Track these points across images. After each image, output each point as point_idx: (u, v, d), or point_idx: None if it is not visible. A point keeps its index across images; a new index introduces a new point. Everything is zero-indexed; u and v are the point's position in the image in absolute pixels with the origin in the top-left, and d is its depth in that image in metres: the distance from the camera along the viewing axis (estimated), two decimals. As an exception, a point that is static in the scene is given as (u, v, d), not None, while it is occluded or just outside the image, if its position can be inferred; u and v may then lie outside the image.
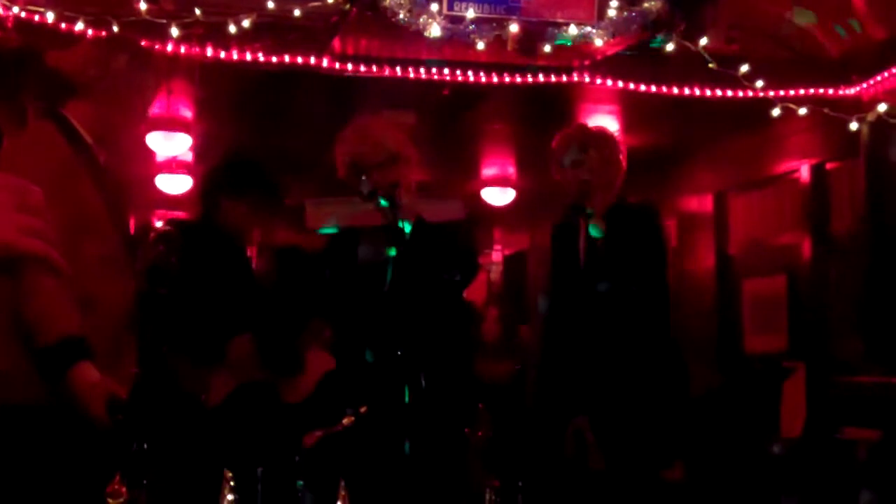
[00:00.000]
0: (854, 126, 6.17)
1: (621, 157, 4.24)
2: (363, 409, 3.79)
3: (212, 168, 4.58)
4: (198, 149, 7.77)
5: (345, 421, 3.67)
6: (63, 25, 4.85)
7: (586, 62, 5.98)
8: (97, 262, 2.99)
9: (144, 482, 4.33)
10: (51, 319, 2.80)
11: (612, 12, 5.36)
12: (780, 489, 6.09)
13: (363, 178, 3.79)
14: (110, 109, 3.12)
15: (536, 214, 8.91)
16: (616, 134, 4.41)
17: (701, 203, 8.35)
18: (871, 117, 6.07)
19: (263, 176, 4.46)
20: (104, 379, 2.84)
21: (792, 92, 6.18)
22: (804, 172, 7.05)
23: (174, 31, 4.89)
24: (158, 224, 7.04)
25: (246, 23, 4.93)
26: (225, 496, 3.82)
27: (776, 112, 6.11)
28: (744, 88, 5.96)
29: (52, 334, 2.79)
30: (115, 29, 4.55)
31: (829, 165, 6.92)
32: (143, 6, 4.87)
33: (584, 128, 4.40)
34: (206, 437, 4.13)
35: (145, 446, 4.07)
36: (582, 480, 3.94)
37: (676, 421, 4.11)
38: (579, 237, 4.04)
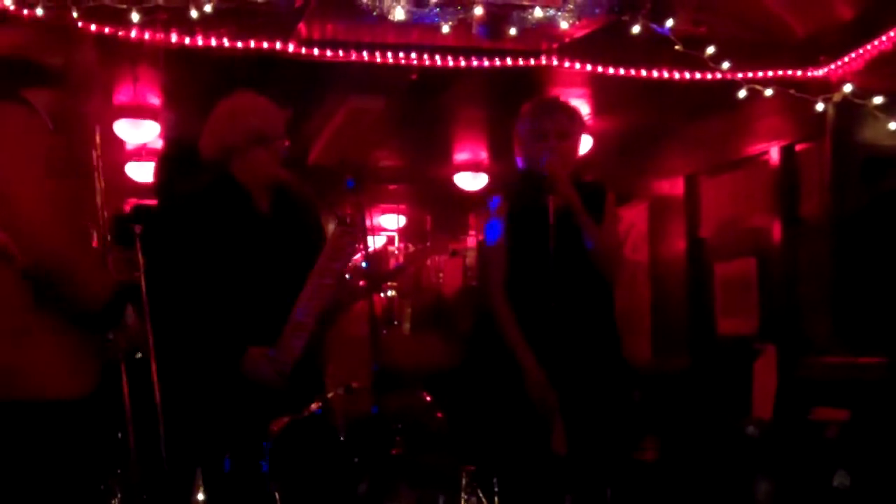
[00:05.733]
0: (820, 107, 6.20)
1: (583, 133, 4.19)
2: (331, 395, 3.79)
3: (162, 157, 4.53)
4: (166, 136, 7.74)
5: (312, 406, 3.66)
6: (25, 12, 4.81)
7: (554, 45, 5.98)
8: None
9: (118, 471, 4.32)
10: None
11: (576, -6, 5.37)
12: (754, 470, 6.12)
13: None
14: (70, 97, 3.08)
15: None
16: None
17: (672, 186, 8.36)
18: (836, 98, 6.09)
19: None
20: None
21: (760, 74, 6.20)
22: (774, 154, 7.07)
23: (135, 17, 4.85)
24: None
25: (208, 7, 4.90)
26: (196, 494, 3.82)
27: (742, 94, 6.13)
28: (711, 70, 5.97)
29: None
30: (75, 15, 4.51)
31: (798, 147, 6.93)
32: (103, -9, 4.84)
33: (557, 98, 4.34)
34: (182, 423, 4.11)
35: (120, 435, 4.06)
36: (548, 464, 3.92)
37: (633, 401, 4.10)
38: (548, 217, 3.92)
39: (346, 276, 3.86)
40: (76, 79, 3.05)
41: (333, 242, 3.66)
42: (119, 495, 4.49)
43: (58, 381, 2.84)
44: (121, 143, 7.83)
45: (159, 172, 4.42)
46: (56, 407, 2.83)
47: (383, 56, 5.81)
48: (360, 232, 3.66)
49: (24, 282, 2.75)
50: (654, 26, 5.62)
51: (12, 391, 2.78)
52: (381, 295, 7.11)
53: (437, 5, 5.14)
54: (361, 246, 3.72)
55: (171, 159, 4.44)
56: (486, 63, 5.98)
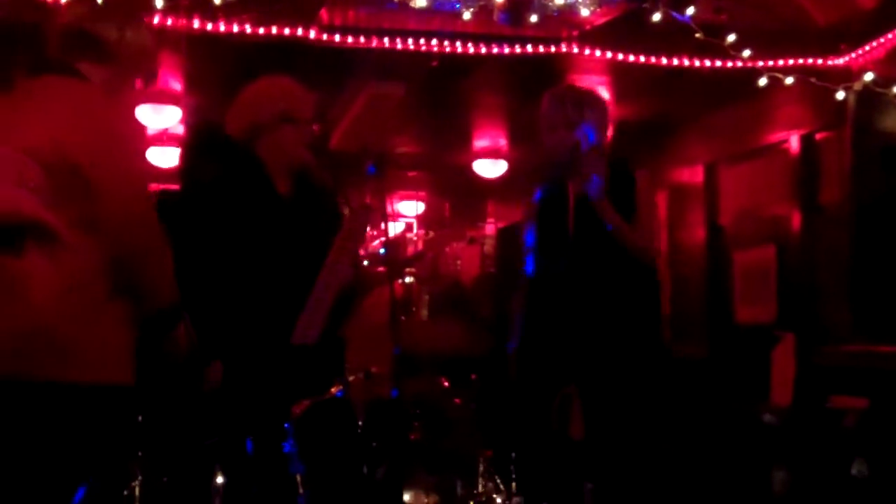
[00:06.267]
0: (841, 95, 6.18)
1: (609, 117, 4.20)
2: (351, 379, 3.82)
3: (187, 143, 4.54)
4: (188, 122, 7.77)
5: (333, 389, 3.69)
6: (49, -2, 4.85)
7: (574, 32, 5.98)
8: None
9: (139, 454, 4.35)
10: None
11: (597, -19, 5.37)
12: (771, 458, 6.13)
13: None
14: (120, 75, 3.06)
15: (529, 186, 8.92)
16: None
17: (691, 174, 8.36)
18: (857, 86, 6.08)
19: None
20: None
21: (780, 62, 6.19)
22: (794, 143, 7.05)
23: (158, 2, 4.87)
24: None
25: (231, -7, 4.93)
26: (216, 476, 3.85)
27: (762, 82, 6.12)
28: (731, 59, 5.97)
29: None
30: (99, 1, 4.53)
31: (818, 136, 6.91)
32: (127, -23, 4.85)
33: (576, 87, 4.35)
34: (201, 405, 4.14)
35: (140, 418, 4.09)
36: (566, 450, 3.94)
37: (661, 386, 4.11)
38: (568, 203, 3.95)
39: (364, 262, 3.90)
40: (128, 57, 3.03)
41: (346, 224, 3.71)
42: (140, 477, 4.54)
43: (119, 367, 2.83)
44: (142, 128, 7.87)
45: (184, 158, 4.43)
46: (113, 392, 2.83)
47: (404, 42, 5.83)
48: (375, 215, 3.70)
49: (108, 268, 2.72)
50: (675, 14, 5.61)
51: (75, 371, 2.77)
52: (399, 281, 7.14)
53: (458, -8, 5.16)
54: (380, 232, 3.75)
55: (194, 145, 4.45)
56: (507, 50, 5.99)
